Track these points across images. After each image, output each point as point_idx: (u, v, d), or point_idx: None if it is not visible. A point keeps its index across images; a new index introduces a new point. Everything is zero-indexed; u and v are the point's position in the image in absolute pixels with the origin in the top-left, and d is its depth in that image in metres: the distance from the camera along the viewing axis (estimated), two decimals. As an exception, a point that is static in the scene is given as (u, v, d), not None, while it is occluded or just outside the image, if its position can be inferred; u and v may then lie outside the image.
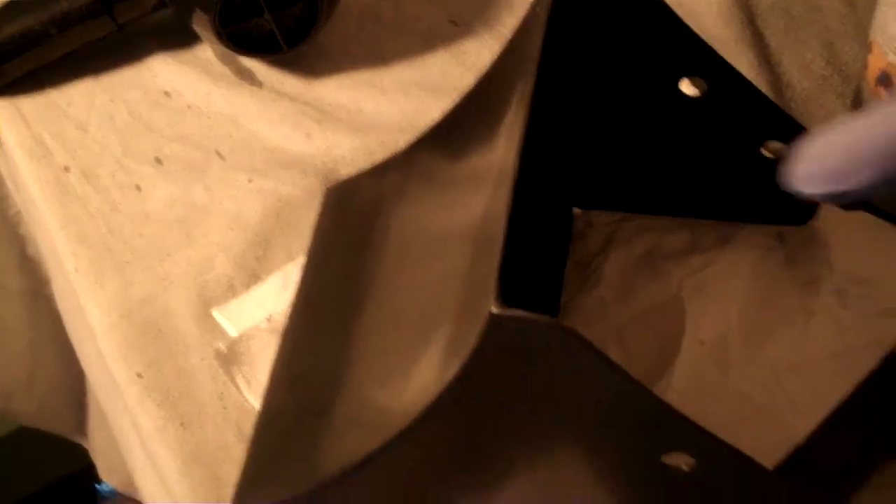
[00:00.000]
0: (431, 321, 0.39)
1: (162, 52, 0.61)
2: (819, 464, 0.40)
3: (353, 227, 0.49)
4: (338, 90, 0.58)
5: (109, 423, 0.60)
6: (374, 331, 0.42)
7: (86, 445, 0.79)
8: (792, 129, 0.45)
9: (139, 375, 0.46)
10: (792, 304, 0.45)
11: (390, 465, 0.37)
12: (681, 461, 0.33)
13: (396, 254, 0.45)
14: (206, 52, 0.61)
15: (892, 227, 0.46)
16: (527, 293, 0.38)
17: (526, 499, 0.37)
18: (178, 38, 0.61)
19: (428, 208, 0.45)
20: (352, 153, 0.55)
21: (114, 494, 0.81)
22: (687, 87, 0.44)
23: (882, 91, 0.45)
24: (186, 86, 0.59)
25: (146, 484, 0.50)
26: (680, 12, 0.42)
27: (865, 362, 0.42)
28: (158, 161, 0.55)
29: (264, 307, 0.48)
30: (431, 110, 0.55)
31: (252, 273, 0.50)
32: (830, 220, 0.47)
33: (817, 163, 0.29)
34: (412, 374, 0.37)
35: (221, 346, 0.47)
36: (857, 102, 0.47)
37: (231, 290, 0.49)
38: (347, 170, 0.54)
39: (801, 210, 0.47)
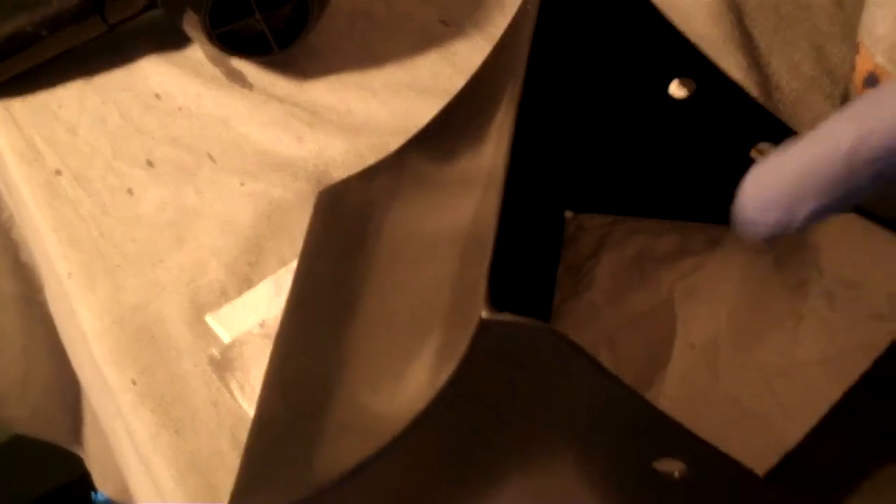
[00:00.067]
0: (422, 325, 0.39)
1: (153, 54, 0.61)
2: (810, 469, 0.40)
3: (345, 230, 0.49)
4: (328, 92, 0.58)
5: (103, 428, 0.60)
6: (365, 335, 0.42)
7: (80, 454, 0.79)
8: (781, 132, 0.45)
9: (133, 382, 0.46)
10: (781, 307, 0.45)
11: (383, 472, 0.37)
12: (672, 467, 0.33)
13: (387, 257, 0.45)
14: (197, 53, 0.61)
15: (880, 229, 0.46)
16: (518, 297, 0.38)
17: (518, 504, 0.37)
18: (168, 39, 0.61)
19: (418, 211, 0.45)
20: (343, 156, 0.55)
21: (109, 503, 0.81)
22: (676, 89, 0.45)
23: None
24: (177, 88, 0.59)
25: (141, 491, 0.50)
26: (669, 12, 0.42)
27: (855, 366, 0.42)
28: (150, 164, 0.55)
29: (257, 312, 0.48)
30: (422, 112, 0.55)
31: (244, 278, 0.50)
32: (820, 223, 0.47)
33: (759, 200, 0.29)
34: (404, 378, 0.37)
35: (215, 351, 0.47)
36: (845, 104, 0.47)
37: (224, 296, 0.49)
38: (338, 172, 0.54)
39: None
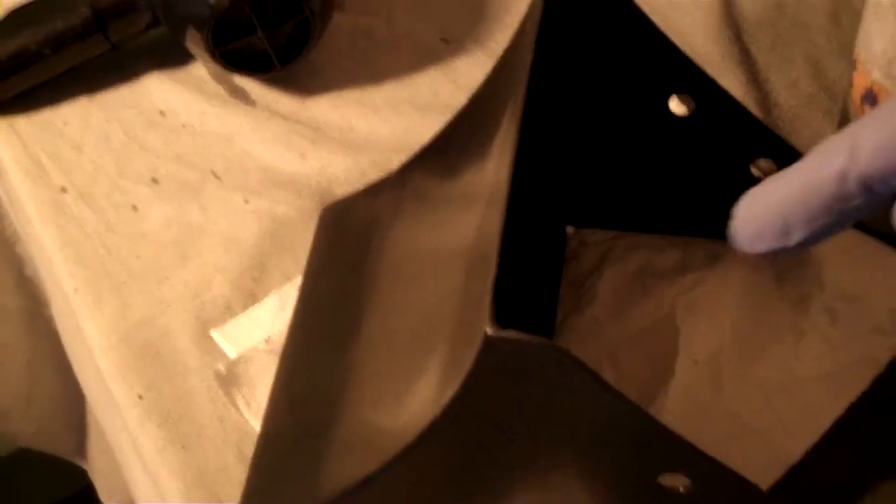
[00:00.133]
0: (427, 342, 0.39)
1: (156, 72, 0.61)
2: (813, 485, 0.40)
3: (349, 246, 0.49)
4: (330, 109, 0.59)
5: (110, 443, 0.60)
6: (370, 351, 0.43)
7: (85, 467, 0.79)
8: (780, 148, 0.45)
9: (139, 397, 0.47)
10: (782, 322, 0.45)
11: (388, 487, 0.37)
12: (677, 482, 0.33)
13: (391, 273, 0.45)
14: (200, 70, 0.61)
15: (881, 244, 0.46)
16: (522, 313, 0.39)
17: (522, 520, 0.38)
18: (172, 57, 0.61)
19: (422, 227, 0.46)
20: (345, 173, 0.55)
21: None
22: (676, 106, 0.45)
23: (868, 109, 0.45)
24: (181, 105, 0.59)
25: (147, 505, 0.50)
26: (667, 29, 0.43)
27: (857, 381, 0.42)
28: (154, 181, 0.56)
29: (262, 328, 0.49)
30: (423, 129, 0.56)
31: (249, 294, 0.50)
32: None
33: (753, 224, 0.29)
34: (409, 395, 0.37)
35: (220, 367, 0.47)
36: (843, 120, 0.48)
37: (228, 311, 0.50)
38: (342, 189, 0.54)
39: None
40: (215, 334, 0.49)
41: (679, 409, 0.42)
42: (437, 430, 0.34)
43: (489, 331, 0.31)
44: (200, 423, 0.46)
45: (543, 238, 0.49)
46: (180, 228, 0.53)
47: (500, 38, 0.62)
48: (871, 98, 0.45)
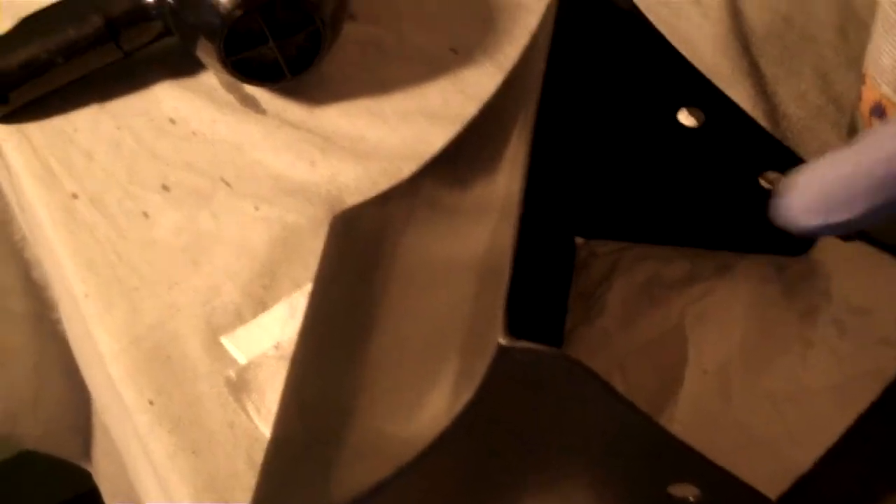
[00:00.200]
0: (439, 351, 0.39)
1: (167, 80, 0.61)
2: (822, 495, 0.40)
3: (359, 254, 0.49)
4: (340, 118, 0.59)
5: (118, 448, 0.60)
6: (381, 359, 0.43)
7: (90, 470, 0.79)
8: (789, 160, 0.46)
9: (150, 402, 0.47)
10: (790, 333, 0.45)
11: (399, 495, 0.37)
12: (686, 492, 0.33)
13: (402, 282, 0.45)
14: (211, 79, 0.61)
15: (889, 257, 0.46)
16: (531, 324, 0.39)
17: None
18: (182, 65, 0.61)
19: (433, 237, 0.46)
20: (355, 181, 0.55)
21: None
22: (685, 118, 0.45)
23: (876, 122, 0.46)
24: (192, 113, 0.60)
25: (156, 510, 0.50)
26: (675, 41, 0.43)
27: (865, 393, 0.42)
28: (165, 188, 0.56)
29: (272, 335, 0.49)
30: (433, 138, 0.56)
31: (259, 301, 0.51)
32: (829, 250, 0.48)
33: (811, 194, 0.29)
34: (421, 403, 0.37)
35: (231, 373, 0.48)
36: (852, 133, 0.48)
37: (238, 318, 0.50)
38: (352, 198, 0.54)
39: (799, 241, 0.48)
40: (225, 341, 0.49)
41: (688, 419, 0.43)
42: (449, 438, 0.34)
43: (502, 341, 0.31)
44: (211, 428, 0.46)
45: (553, 249, 0.49)
46: (191, 235, 0.54)
47: (508, 49, 0.62)
48: (879, 112, 0.45)
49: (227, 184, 0.56)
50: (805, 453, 0.41)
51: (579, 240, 0.51)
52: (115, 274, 0.52)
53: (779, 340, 0.45)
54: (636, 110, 0.45)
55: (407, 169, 0.51)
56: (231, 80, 0.59)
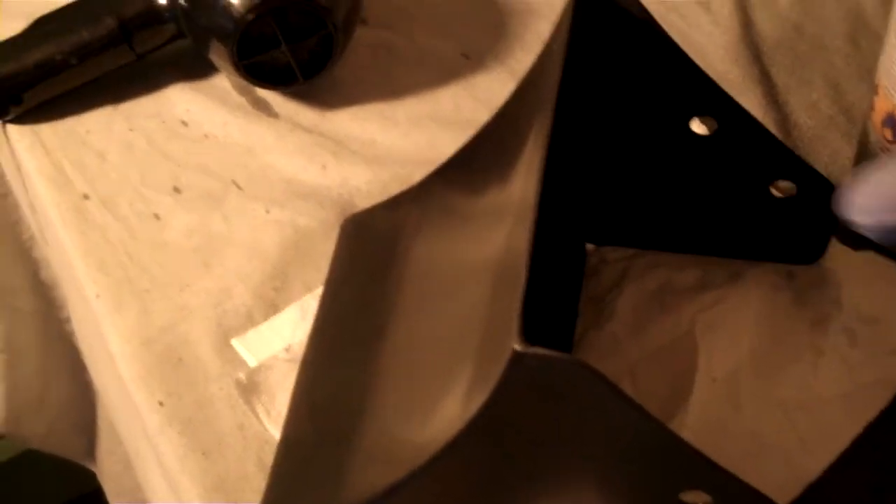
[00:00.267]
0: (451, 356, 0.39)
1: (180, 82, 0.62)
2: (830, 502, 0.40)
3: (370, 257, 0.50)
4: (352, 122, 0.59)
5: (126, 448, 0.60)
6: (393, 363, 0.43)
7: (94, 469, 0.80)
8: (800, 169, 0.46)
9: (160, 403, 0.47)
10: (801, 342, 0.46)
11: (411, 499, 0.37)
12: (698, 499, 0.33)
13: (414, 286, 0.46)
14: (223, 82, 0.62)
15: (900, 266, 0.47)
16: (543, 329, 0.39)
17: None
18: (195, 68, 0.62)
19: (445, 241, 0.46)
20: (367, 185, 0.56)
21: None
22: (697, 126, 0.45)
23: (888, 133, 0.46)
24: (204, 116, 0.60)
25: (164, 511, 0.51)
26: (686, 49, 0.43)
27: (875, 402, 0.42)
28: (177, 190, 0.56)
29: (282, 337, 0.49)
30: (444, 142, 0.56)
31: (270, 303, 0.51)
32: (839, 259, 0.48)
33: (873, 194, 0.29)
34: (434, 408, 0.38)
35: (241, 375, 0.48)
36: (863, 143, 0.49)
37: (249, 320, 0.50)
38: (363, 201, 0.55)
39: (810, 249, 0.48)
40: (236, 343, 0.49)
41: (698, 426, 0.43)
42: (461, 442, 0.34)
43: (517, 346, 0.31)
44: (221, 430, 0.47)
45: (564, 255, 0.49)
46: (202, 237, 0.54)
47: (520, 55, 0.62)
48: (892, 122, 0.45)
49: (239, 186, 0.56)
50: (816, 461, 0.41)
51: (590, 246, 0.51)
52: (127, 275, 0.53)
53: (789, 348, 0.45)
54: (649, 117, 0.45)
55: (418, 173, 0.52)
56: (243, 83, 0.59)
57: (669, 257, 0.49)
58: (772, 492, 0.33)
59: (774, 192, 0.47)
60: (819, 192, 0.46)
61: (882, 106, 0.46)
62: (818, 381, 0.44)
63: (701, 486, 0.33)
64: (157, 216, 0.55)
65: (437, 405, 0.38)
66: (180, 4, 0.58)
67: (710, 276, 0.49)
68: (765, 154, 0.45)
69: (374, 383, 0.43)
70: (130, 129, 0.60)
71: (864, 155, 0.48)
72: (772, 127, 0.55)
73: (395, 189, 0.53)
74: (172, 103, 0.61)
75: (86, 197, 0.56)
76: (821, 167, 0.51)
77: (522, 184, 0.39)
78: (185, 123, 0.60)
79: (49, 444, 0.78)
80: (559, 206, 0.46)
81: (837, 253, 0.48)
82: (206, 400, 0.48)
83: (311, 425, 0.44)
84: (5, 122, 0.60)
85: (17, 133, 0.60)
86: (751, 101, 0.57)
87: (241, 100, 0.61)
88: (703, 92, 0.44)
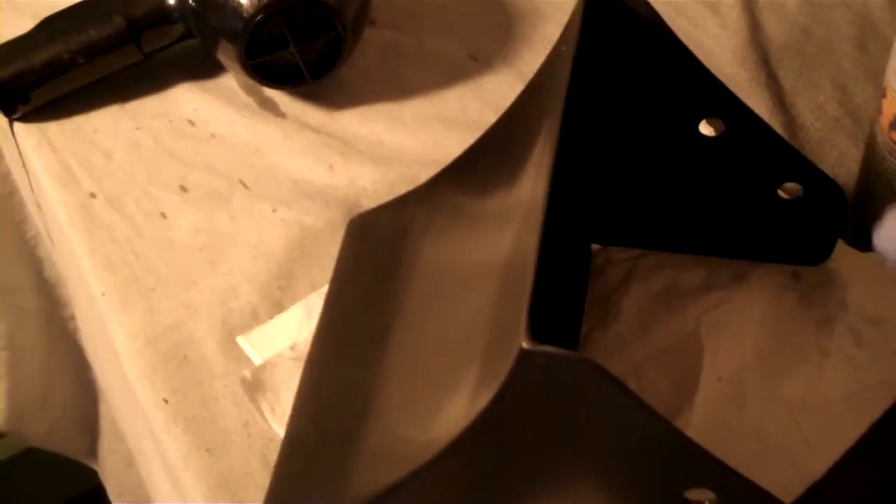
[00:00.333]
0: (457, 355, 0.39)
1: (187, 82, 0.62)
2: (833, 502, 0.40)
3: (376, 257, 0.50)
4: (359, 122, 0.59)
5: (130, 446, 0.60)
6: (397, 362, 0.43)
7: (95, 467, 0.80)
8: (808, 171, 0.46)
9: (165, 401, 0.47)
10: (806, 342, 0.45)
11: (412, 497, 0.37)
12: (703, 497, 0.33)
13: (421, 285, 0.46)
14: (231, 81, 0.62)
15: (905, 268, 0.47)
16: (549, 328, 0.39)
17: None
18: (202, 67, 0.62)
19: (452, 241, 0.46)
20: (373, 185, 0.56)
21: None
22: (705, 128, 0.46)
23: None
24: (211, 115, 0.60)
25: (168, 507, 0.51)
26: (696, 52, 0.43)
27: (880, 402, 0.42)
28: (183, 189, 0.56)
29: (288, 335, 0.49)
30: (450, 143, 0.56)
31: (275, 302, 0.51)
32: (845, 260, 0.48)
33: None
34: (440, 406, 0.38)
35: (246, 373, 0.48)
36: (870, 146, 0.49)
37: (255, 319, 0.50)
38: (369, 201, 0.55)
39: (816, 250, 0.48)
40: (241, 341, 0.50)
41: (702, 425, 0.43)
42: (466, 440, 0.34)
43: (525, 344, 0.31)
44: (225, 427, 0.47)
45: (570, 254, 0.49)
46: (208, 236, 0.54)
47: (527, 57, 0.62)
48: (898, 124, 0.45)
49: (246, 186, 0.56)
50: (821, 461, 0.41)
51: (596, 246, 0.51)
52: (133, 274, 0.53)
53: (795, 349, 0.45)
54: (657, 119, 0.45)
55: (425, 174, 0.52)
56: (250, 83, 0.59)
57: (675, 258, 0.49)
58: (776, 491, 0.33)
59: (781, 193, 0.47)
60: (826, 193, 0.46)
61: (890, 108, 0.46)
62: (823, 382, 0.44)
63: (706, 484, 0.33)
64: (163, 215, 0.55)
65: (443, 404, 0.38)
66: (189, 5, 0.58)
67: (716, 277, 0.49)
68: (772, 156, 0.46)
69: (378, 382, 0.43)
70: (137, 128, 0.60)
71: (871, 157, 0.48)
72: (779, 129, 0.55)
73: (402, 189, 0.53)
74: (179, 102, 0.61)
75: (92, 195, 0.56)
76: (827, 169, 0.51)
77: (530, 184, 0.39)
78: (192, 123, 0.60)
79: (51, 443, 0.78)
80: (566, 206, 0.46)
81: (843, 254, 0.48)
82: (211, 398, 0.48)
83: (315, 423, 0.44)
84: (12, 120, 0.60)
85: (25, 131, 0.60)
86: (758, 103, 0.57)
87: (249, 99, 0.61)
88: (711, 94, 0.44)
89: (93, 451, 0.79)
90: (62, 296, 0.72)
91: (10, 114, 0.60)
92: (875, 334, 0.45)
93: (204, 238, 0.54)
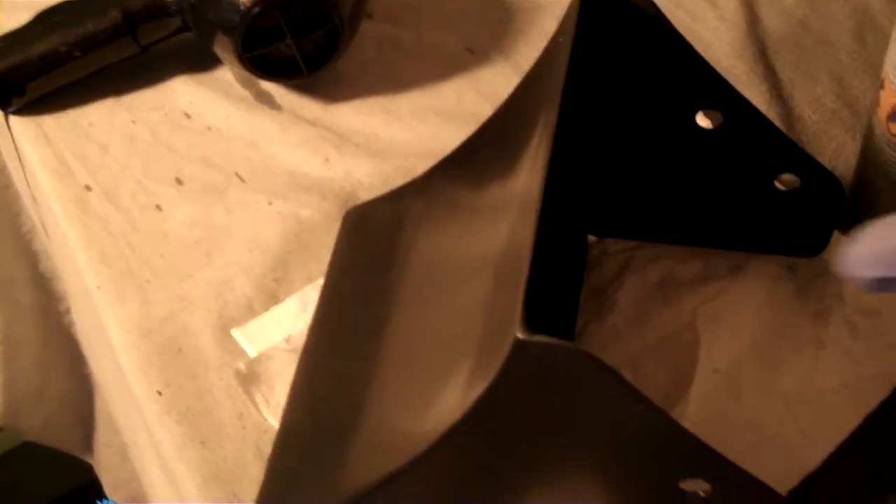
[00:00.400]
0: (452, 346, 0.39)
1: (183, 75, 0.62)
2: (829, 493, 0.40)
3: (372, 249, 0.49)
4: (355, 115, 0.59)
5: (124, 439, 0.60)
6: (392, 355, 0.43)
7: (91, 461, 0.80)
8: (805, 163, 0.46)
9: (159, 393, 0.47)
10: (803, 334, 0.45)
11: (409, 488, 0.37)
12: (697, 487, 0.33)
13: (415, 278, 0.45)
14: (227, 74, 0.62)
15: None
16: (545, 320, 0.39)
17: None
18: (199, 60, 0.62)
19: (448, 233, 0.46)
20: (369, 178, 0.56)
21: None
22: (703, 119, 0.45)
23: (894, 127, 0.46)
24: (207, 108, 0.60)
25: (162, 500, 0.50)
26: (694, 44, 0.43)
27: (875, 394, 0.42)
28: (179, 182, 0.56)
29: (283, 328, 0.49)
30: (447, 136, 0.56)
31: (271, 294, 0.51)
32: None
33: (870, 250, 0.30)
34: (435, 397, 0.37)
35: (241, 365, 0.48)
36: (868, 137, 0.48)
37: (250, 311, 0.50)
38: (365, 194, 0.55)
39: (813, 242, 0.48)
40: (236, 333, 0.49)
41: (698, 416, 0.43)
42: (460, 431, 0.34)
43: (520, 335, 0.31)
44: (220, 420, 0.46)
45: (566, 246, 0.49)
46: (204, 229, 0.54)
47: (524, 50, 0.62)
48: (896, 116, 0.45)
49: (242, 178, 0.56)
50: (817, 453, 0.41)
51: (592, 237, 0.51)
52: (128, 266, 0.53)
53: (791, 341, 0.45)
54: (655, 110, 0.45)
55: (421, 167, 0.52)
56: (247, 75, 0.59)
57: (671, 249, 0.49)
58: (773, 482, 0.33)
59: (778, 185, 0.47)
60: (823, 185, 0.46)
61: (888, 100, 0.46)
62: (819, 374, 0.44)
63: (701, 475, 0.33)
64: (159, 207, 0.55)
65: (438, 395, 0.38)
66: (186, -2, 0.58)
67: (712, 268, 0.48)
68: (769, 147, 0.45)
69: (374, 374, 0.43)
70: (133, 121, 0.60)
71: (869, 149, 0.48)
72: (776, 121, 0.55)
73: (398, 182, 0.53)
74: (175, 95, 0.61)
75: (88, 188, 0.56)
76: (825, 161, 0.51)
77: (526, 176, 0.39)
78: (188, 115, 0.60)
79: (47, 437, 0.78)
80: (563, 197, 0.46)
81: (839, 245, 0.48)
82: (206, 390, 0.47)
83: (310, 415, 0.44)
84: (8, 113, 0.60)
85: (20, 124, 0.60)
86: (756, 95, 0.57)
87: (245, 92, 0.61)
88: (708, 85, 0.44)
89: (88, 445, 0.79)
90: (58, 290, 0.71)
91: (5, 107, 0.60)
92: (871, 326, 0.45)
93: (200, 231, 0.54)
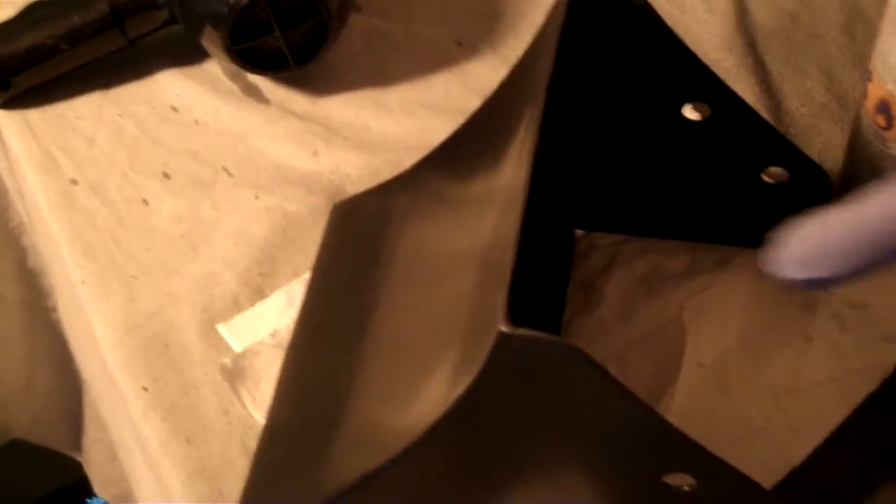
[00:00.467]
0: (436, 341, 0.39)
1: (170, 68, 0.61)
2: (816, 485, 0.40)
3: (359, 243, 0.49)
4: (344, 108, 0.59)
5: (111, 436, 0.60)
6: (379, 348, 0.43)
7: (79, 459, 0.79)
8: (793, 156, 0.45)
9: (144, 389, 0.47)
10: (790, 328, 0.45)
11: (393, 483, 0.37)
12: (682, 481, 0.33)
13: (401, 272, 0.45)
14: (214, 67, 0.61)
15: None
16: (531, 314, 0.39)
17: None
18: (186, 53, 0.61)
19: (434, 227, 0.46)
20: (357, 171, 0.55)
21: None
22: (690, 112, 0.45)
23: (881, 119, 0.45)
24: (194, 101, 0.60)
25: (147, 498, 0.50)
26: (683, 37, 0.43)
27: (863, 387, 0.42)
28: (166, 176, 0.56)
29: (268, 323, 0.49)
30: (435, 129, 0.56)
31: (257, 289, 0.50)
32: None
33: (799, 250, 0.30)
34: (419, 392, 0.37)
35: (226, 360, 0.47)
36: (856, 130, 0.48)
37: (236, 306, 0.50)
38: (353, 188, 0.54)
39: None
40: (221, 328, 0.49)
41: (684, 410, 0.43)
42: (444, 426, 0.34)
43: (503, 328, 0.31)
44: (205, 415, 0.46)
45: (552, 240, 0.49)
46: (190, 223, 0.54)
47: (513, 43, 0.62)
48: (884, 109, 0.45)
49: (229, 172, 0.56)
50: (805, 446, 0.41)
51: (579, 231, 0.50)
52: (114, 261, 0.52)
53: (779, 334, 0.45)
54: (642, 103, 0.45)
55: (409, 160, 0.51)
56: (234, 69, 0.59)
57: (658, 243, 0.49)
58: (761, 476, 0.33)
59: (766, 178, 0.46)
60: (811, 179, 0.46)
61: (875, 92, 0.45)
62: (807, 367, 0.44)
63: (685, 469, 0.33)
64: (145, 202, 0.55)
65: (422, 389, 0.38)
66: (173, -10, 0.57)
67: (699, 262, 0.48)
68: (757, 140, 0.45)
69: (359, 369, 0.42)
70: (120, 115, 0.59)
71: (856, 141, 0.48)
72: (765, 114, 0.55)
73: (387, 175, 0.53)
74: (163, 89, 0.61)
75: (74, 182, 0.56)
76: (813, 154, 0.51)
77: (512, 169, 0.39)
78: (175, 109, 0.60)
79: (34, 434, 0.78)
80: (549, 191, 0.45)
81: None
82: (191, 385, 0.47)
83: (296, 410, 0.44)
84: (-6, 106, 0.60)
85: (6, 118, 0.60)
86: (744, 88, 0.56)
87: (232, 86, 0.60)
88: (696, 78, 0.44)
89: (76, 442, 0.78)
90: (45, 286, 0.71)
91: (-9, 100, 0.59)
92: (859, 319, 0.45)
93: (186, 225, 0.54)
